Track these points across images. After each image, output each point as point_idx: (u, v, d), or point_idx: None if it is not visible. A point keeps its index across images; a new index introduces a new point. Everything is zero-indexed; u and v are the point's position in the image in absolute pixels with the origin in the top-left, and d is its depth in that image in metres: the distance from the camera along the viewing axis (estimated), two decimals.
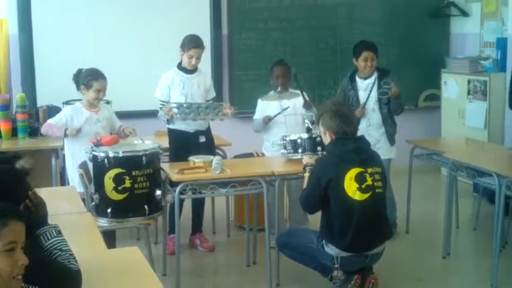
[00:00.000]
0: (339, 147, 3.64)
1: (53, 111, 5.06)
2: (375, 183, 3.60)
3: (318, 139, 4.14)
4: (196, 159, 4.16)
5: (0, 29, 6.15)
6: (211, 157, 4.22)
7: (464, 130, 6.41)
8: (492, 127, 6.33)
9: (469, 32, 7.16)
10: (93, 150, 3.92)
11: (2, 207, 1.85)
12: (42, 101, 5.75)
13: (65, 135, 4.25)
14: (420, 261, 4.59)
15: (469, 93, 6.59)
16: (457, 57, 6.96)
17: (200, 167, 4.08)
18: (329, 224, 3.64)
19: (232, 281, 4.31)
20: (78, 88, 4.34)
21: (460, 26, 7.28)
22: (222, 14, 6.63)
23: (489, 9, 6.87)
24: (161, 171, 4.10)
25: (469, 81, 6.58)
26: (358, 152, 3.63)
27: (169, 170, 4.11)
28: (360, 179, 3.56)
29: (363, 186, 3.55)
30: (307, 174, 3.79)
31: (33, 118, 5.27)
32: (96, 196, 3.90)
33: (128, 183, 3.83)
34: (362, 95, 4.94)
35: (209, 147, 4.74)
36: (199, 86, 4.71)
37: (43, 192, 2.48)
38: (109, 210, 3.85)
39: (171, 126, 4.72)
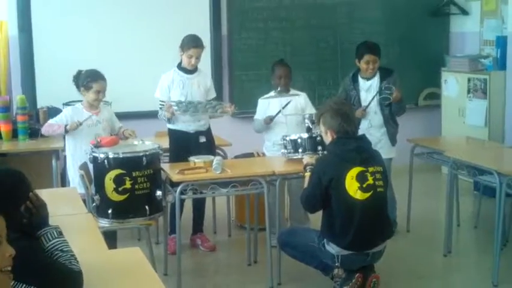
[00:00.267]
0: (340, 147, 3.65)
1: (53, 112, 5.06)
2: (376, 182, 3.60)
3: (318, 139, 4.14)
4: (196, 160, 4.17)
5: (0, 31, 6.16)
6: (212, 157, 4.22)
7: (464, 128, 6.41)
8: (492, 125, 6.33)
9: (469, 31, 7.16)
10: (93, 152, 3.92)
11: None
12: (42, 102, 5.75)
13: (66, 131, 4.24)
14: (421, 260, 4.59)
15: (469, 91, 6.59)
16: (457, 56, 6.96)
17: (201, 167, 4.08)
18: (330, 223, 3.64)
19: (234, 281, 4.31)
20: (78, 90, 4.35)
21: (460, 25, 7.28)
22: (221, 14, 6.63)
23: (489, 8, 6.87)
24: (161, 172, 4.11)
25: (469, 80, 6.58)
26: (359, 151, 3.63)
27: (170, 170, 4.12)
28: (361, 178, 3.56)
29: (364, 185, 3.56)
30: (307, 174, 3.79)
31: (34, 119, 5.27)
32: (96, 197, 3.90)
33: (128, 184, 3.83)
34: (364, 96, 4.94)
35: (209, 147, 4.74)
36: (200, 86, 4.71)
37: (44, 194, 2.49)
38: (110, 211, 3.86)
39: (171, 127, 4.72)
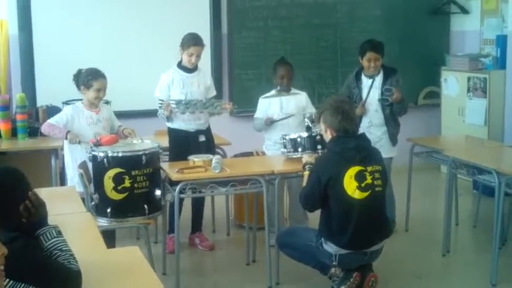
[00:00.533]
0: (339, 145, 3.64)
1: (52, 111, 5.06)
2: (375, 182, 3.60)
3: (318, 138, 4.15)
4: (196, 159, 4.17)
5: (0, 29, 6.16)
6: (211, 156, 4.23)
7: (464, 127, 6.41)
8: (492, 124, 6.33)
9: (469, 30, 7.16)
10: (92, 150, 3.92)
11: None
12: (42, 101, 5.75)
13: (66, 137, 4.25)
14: (420, 259, 4.59)
15: (469, 90, 6.59)
16: (457, 55, 6.96)
17: (200, 166, 4.08)
18: (328, 222, 3.65)
19: (232, 280, 4.32)
20: (78, 88, 4.35)
21: (460, 24, 7.29)
22: (221, 13, 6.63)
23: (489, 7, 6.87)
24: (161, 171, 4.11)
25: (469, 79, 6.58)
26: (358, 150, 3.63)
27: (169, 169, 4.12)
28: (359, 177, 3.56)
29: (363, 184, 3.56)
30: (306, 173, 3.79)
31: (33, 118, 5.27)
32: (95, 196, 3.90)
33: (127, 183, 3.83)
34: (366, 94, 4.94)
35: (209, 146, 4.75)
36: (200, 84, 4.72)
37: (43, 193, 2.49)
38: (109, 210, 3.86)
39: (170, 126, 4.72)
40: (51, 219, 2.32)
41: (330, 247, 3.64)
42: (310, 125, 4.27)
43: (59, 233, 2.27)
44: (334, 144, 3.67)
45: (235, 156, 5.00)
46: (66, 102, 5.02)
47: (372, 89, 4.92)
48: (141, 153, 3.90)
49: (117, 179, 3.83)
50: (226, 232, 5.21)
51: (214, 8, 6.58)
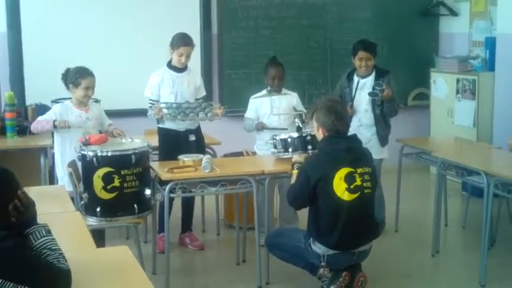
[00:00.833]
0: (330, 146, 3.65)
1: (41, 109, 5.04)
2: (364, 184, 3.61)
3: (308, 138, 4.15)
4: (185, 158, 4.16)
5: None
6: (201, 156, 4.22)
7: (453, 129, 6.45)
8: (481, 126, 6.36)
9: (458, 32, 7.20)
10: (81, 149, 3.90)
11: None
12: (31, 99, 5.73)
13: (54, 126, 4.22)
14: (409, 259, 4.61)
15: (457, 92, 6.62)
16: (446, 57, 6.99)
17: (190, 165, 4.08)
18: (316, 222, 3.65)
19: (222, 280, 4.31)
20: (67, 87, 4.33)
21: (449, 26, 7.32)
22: (212, 13, 6.63)
23: (478, 9, 6.91)
24: (151, 170, 4.10)
25: (458, 80, 6.62)
26: (349, 151, 3.63)
27: (159, 168, 4.11)
28: (349, 179, 3.56)
29: (352, 186, 3.56)
30: (295, 171, 3.81)
31: (22, 116, 5.25)
32: (85, 195, 3.88)
33: (117, 182, 3.82)
34: (357, 94, 4.95)
35: (199, 146, 4.74)
36: (189, 84, 4.71)
37: (32, 192, 2.47)
38: (98, 209, 3.84)
39: (160, 125, 4.71)
40: (41, 219, 2.31)
41: (318, 248, 3.64)
42: (301, 126, 4.27)
43: (49, 232, 2.26)
44: (326, 144, 3.68)
45: (226, 156, 5.00)
46: (56, 101, 4.99)
47: (362, 89, 4.93)
48: (130, 152, 3.89)
49: (107, 179, 3.81)
50: (217, 232, 5.20)
51: (205, 7, 6.58)
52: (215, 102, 5.21)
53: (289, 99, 4.82)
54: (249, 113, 4.88)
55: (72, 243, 2.66)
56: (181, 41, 4.60)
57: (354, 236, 3.63)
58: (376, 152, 4.75)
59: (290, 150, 4.21)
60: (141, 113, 4.96)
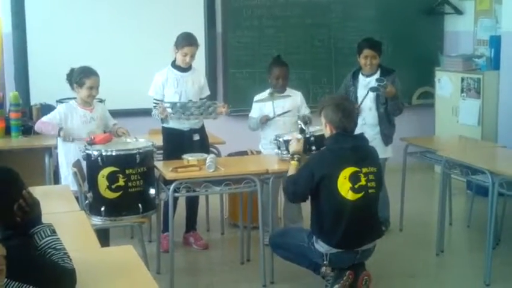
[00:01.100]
0: (336, 144, 3.65)
1: (46, 109, 5.05)
2: (369, 184, 3.60)
3: (312, 139, 4.14)
4: (190, 158, 4.17)
5: None
6: (205, 155, 4.22)
7: (457, 128, 6.43)
8: (485, 125, 6.35)
9: (463, 30, 7.18)
10: (86, 149, 3.91)
11: None
12: (35, 99, 5.74)
13: (58, 134, 4.23)
14: (414, 258, 4.61)
15: (462, 91, 6.61)
16: (450, 55, 6.98)
17: (194, 165, 4.08)
18: (319, 221, 3.66)
19: (227, 279, 4.31)
20: (71, 87, 4.34)
21: (454, 24, 7.31)
22: (216, 12, 6.63)
23: (483, 7, 6.89)
24: (155, 170, 4.10)
25: (462, 79, 6.60)
26: (355, 151, 3.63)
27: (163, 168, 4.11)
28: (353, 178, 3.56)
29: (356, 186, 3.56)
30: (294, 162, 3.83)
31: (27, 116, 5.26)
32: (89, 194, 3.89)
33: (121, 182, 3.83)
34: (361, 93, 4.95)
35: (203, 145, 4.74)
36: (194, 84, 4.71)
37: (37, 191, 2.48)
38: (103, 209, 3.85)
39: (165, 125, 4.71)
40: (45, 218, 2.32)
41: (321, 246, 3.64)
42: (304, 127, 4.25)
43: (53, 232, 2.27)
44: (332, 141, 3.68)
45: (230, 155, 5.00)
46: (60, 101, 4.99)
47: (366, 88, 4.92)
48: (135, 151, 3.89)
49: (111, 178, 3.82)
50: (221, 231, 5.21)
51: (209, 7, 6.58)
52: (219, 101, 5.21)
53: (293, 98, 4.82)
54: (253, 112, 4.88)
55: (76, 242, 2.67)
56: (186, 40, 4.60)
57: (357, 236, 3.63)
58: (380, 151, 4.70)
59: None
60: (146, 112, 4.96)
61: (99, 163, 3.83)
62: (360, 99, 4.93)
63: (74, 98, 4.42)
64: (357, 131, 3.93)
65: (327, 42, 6.99)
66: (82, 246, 2.70)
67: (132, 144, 4.07)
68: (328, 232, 3.62)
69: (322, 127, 3.84)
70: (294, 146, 3.97)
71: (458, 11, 7.18)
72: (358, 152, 3.64)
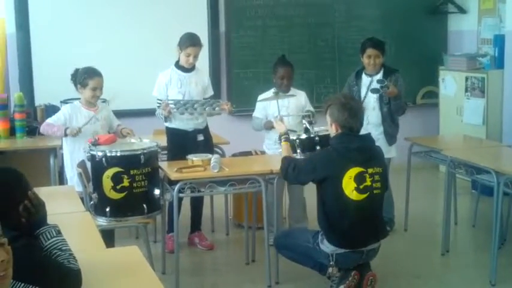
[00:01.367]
0: (342, 144, 3.64)
1: (51, 110, 5.06)
2: (374, 184, 3.60)
3: (317, 139, 4.13)
4: (194, 158, 4.17)
5: None
6: (210, 155, 4.22)
7: (462, 127, 6.42)
8: (490, 124, 6.34)
9: (467, 29, 7.17)
10: (91, 150, 3.91)
11: None
12: (40, 100, 5.75)
13: (65, 134, 4.24)
14: (419, 258, 4.59)
15: (466, 90, 6.59)
16: (454, 54, 6.96)
17: (199, 165, 4.08)
18: (325, 217, 3.66)
19: (232, 279, 4.31)
20: (76, 88, 4.35)
21: (458, 23, 7.29)
22: (219, 12, 6.63)
23: (486, 6, 6.88)
24: (159, 170, 4.10)
25: (466, 78, 6.59)
26: (361, 151, 3.62)
27: (168, 168, 4.11)
28: (359, 179, 3.56)
29: (361, 186, 3.56)
30: (284, 143, 3.94)
31: (31, 117, 5.26)
32: (94, 195, 3.89)
33: (126, 182, 3.82)
34: (364, 92, 4.94)
35: (207, 145, 4.74)
36: (197, 84, 4.71)
37: (42, 192, 2.48)
38: (108, 210, 3.85)
39: (169, 125, 4.71)
40: (50, 219, 2.32)
41: (326, 247, 3.64)
42: (309, 127, 4.24)
43: (59, 233, 2.27)
44: (338, 141, 3.68)
45: (234, 155, 4.99)
46: (65, 101, 5.01)
47: (370, 87, 4.91)
48: (139, 152, 3.89)
49: (116, 179, 3.82)
50: (226, 232, 5.20)
51: (212, 7, 6.58)
52: (222, 100, 5.20)
53: (297, 98, 4.81)
54: (257, 113, 4.87)
55: (82, 243, 2.66)
56: (189, 41, 4.60)
57: (360, 235, 3.63)
58: (384, 151, 4.67)
59: (298, 151, 4.19)
60: (150, 113, 4.97)
61: (103, 164, 3.83)
62: (363, 99, 4.92)
63: (78, 99, 4.43)
64: (361, 131, 3.93)
65: (331, 42, 6.99)
66: (87, 247, 2.70)
67: (137, 144, 4.07)
68: (333, 230, 3.62)
69: (326, 127, 3.84)
70: (278, 128, 4.13)
71: (462, 10, 7.17)
72: (364, 153, 3.64)
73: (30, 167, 3.44)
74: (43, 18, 6.08)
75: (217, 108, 4.60)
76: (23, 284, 1.95)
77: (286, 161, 3.81)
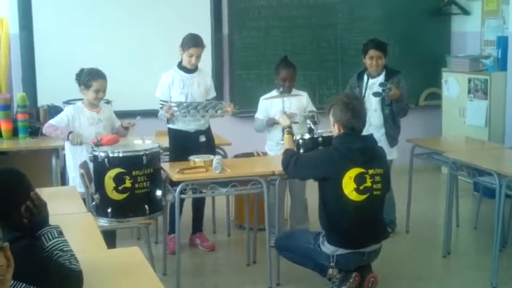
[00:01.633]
0: (344, 144, 3.64)
1: (53, 110, 5.07)
2: (374, 185, 3.60)
3: (320, 139, 4.13)
4: (196, 159, 4.17)
5: (1, 28, 6.17)
6: (212, 156, 4.22)
7: (464, 129, 6.41)
8: (493, 126, 6.33)
9: (470, 31, 7.16)
10: (93, 150, 3.92)
11: None
12: (42, 100, 5.76)
13: (67, 138, 4.25)
14: (420, 260, 4.59)
15: (469, 91, 6.59)
16: (457, 56, 6.96)
17: (200, 166, 4.08)
18: (326, 217, 3.67)
19: (233, 281, 4.31)
20: (80, 88, 4.35)
21: (461, 25, 7.29)
22: (222, 13, 6.63)
23: (490, 8, 6.87)
24: (161, 171, 4.11)
25: (469, 80, 6.58)
26: (362, 152, 3.62)
27: (170, 169, 4.12)
28: (359, 180, 3.56)
29: (361, 187, 3.56)
30: (287, 136, 3.99)
31: (34, 118, 5.27)
32: (96, 196, 3.90)
33: (128, 183, 3.83)
34: (366, 94, 4.94)
35: (209, 146, 4.74)
36: (200, 85, 4.71)
37: (44, 193, 2.49)
38: (109, 210, 3.85)
39: (171, 126, 4.72)
40: (52, 219, 2.32)
41: (327, 248, 3.64)
42: (313, 127, 4.25)
43: (60, 233, 2.27)
44: (340, 141, 3.68)
45: (236, 156, 5.00)
46: (67, 102, 5.01)
47: (371, 88, 4.91)
48: (141, 153, 3.90)
49: (118, 179, 3.83)
50: (227, 233, 5.20)
51: (215, 8, 6.59)
52: (225, 101, 5.21)
53: (299, 99, 4.81)
54: (259, 114, 4.88)
55: (83, 244, 2.67)
56: (192, 42, 4.60)
57: (359, 236, 3.63)
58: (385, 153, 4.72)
59: (301, 151, 4.19)
60: (152, 114, 4.96)
61: (105, 164, 3.84)
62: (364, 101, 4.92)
63: (81, 100, 4.44)
64: (372, 133, 3.93)
65: (333, 43, 6.99)
66: (89, 247, 2.71)
67: (139, 145, 4.07)
68: (334, 230, 3.62)
69: (329, 129, 3.84)
70: (282, 121, 4.20)
71: (465, 12, 7.16)
72: (366, 153, 3.63)
73: (33, 168, 3.44)
74: (46, 18, 6.09)
75: (219, 111, 4.60)
76: (24, 285, 1.95)
77: (288, 154, 3.82)
